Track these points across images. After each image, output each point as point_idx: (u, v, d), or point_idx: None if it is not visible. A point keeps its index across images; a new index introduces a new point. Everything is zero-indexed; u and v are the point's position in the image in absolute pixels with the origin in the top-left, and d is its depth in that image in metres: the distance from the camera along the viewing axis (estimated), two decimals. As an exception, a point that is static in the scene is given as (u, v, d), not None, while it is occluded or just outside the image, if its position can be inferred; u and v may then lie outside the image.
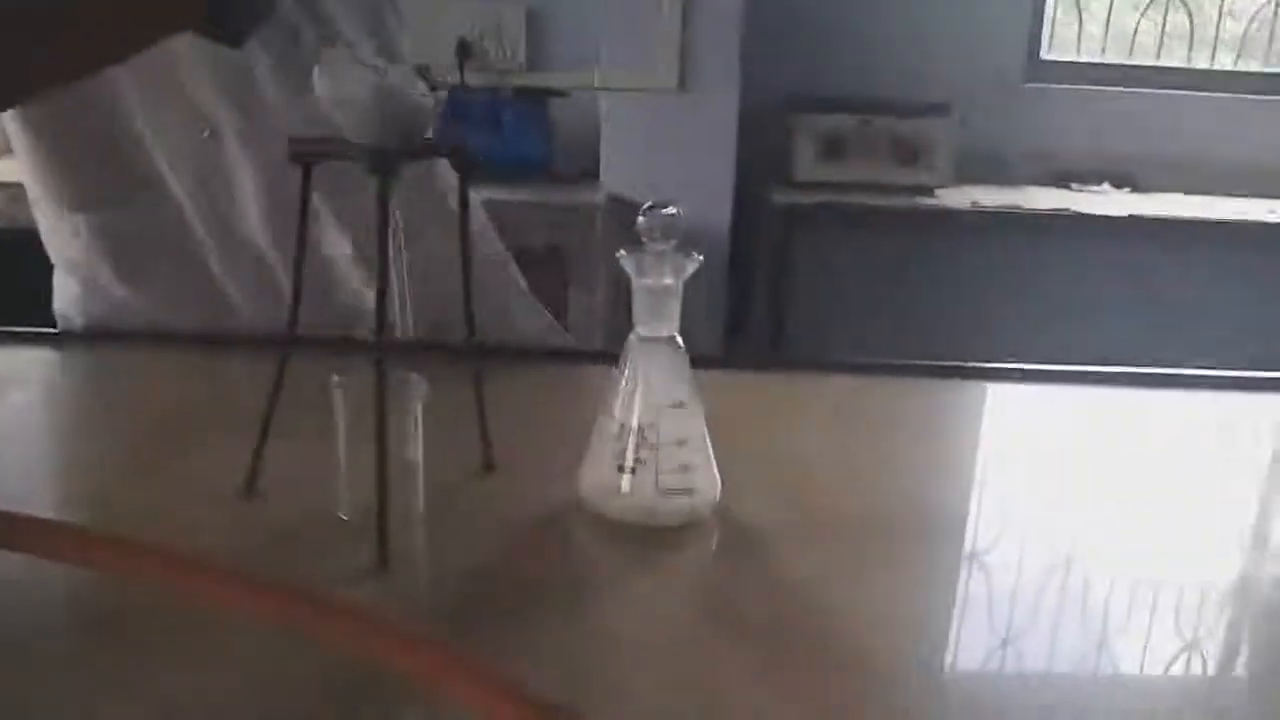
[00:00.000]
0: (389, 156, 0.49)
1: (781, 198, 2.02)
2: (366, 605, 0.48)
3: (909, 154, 2.12)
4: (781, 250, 2.01)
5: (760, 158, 2.17)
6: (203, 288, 0.86)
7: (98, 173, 0.82)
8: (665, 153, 2.05)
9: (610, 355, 0.89)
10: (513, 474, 0.64)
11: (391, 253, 0.51)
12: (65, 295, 0.91)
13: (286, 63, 0.74)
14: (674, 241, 0.56)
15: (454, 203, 0.83)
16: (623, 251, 0.57)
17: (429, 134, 0.53)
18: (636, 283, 0.57)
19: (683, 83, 2.03)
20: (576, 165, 2.11)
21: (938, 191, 2.13)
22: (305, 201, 0.54)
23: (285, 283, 0.84)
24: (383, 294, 0.51)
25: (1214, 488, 0.71)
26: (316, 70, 0.50)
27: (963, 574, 0.59)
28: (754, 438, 0.71)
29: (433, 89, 0.53)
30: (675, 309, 0.57)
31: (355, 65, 0.49)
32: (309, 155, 0.53)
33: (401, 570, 0.53)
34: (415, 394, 0.57)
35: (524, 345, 0.91)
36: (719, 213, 2.06)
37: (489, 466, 0.64)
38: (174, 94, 0.76)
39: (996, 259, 2.13)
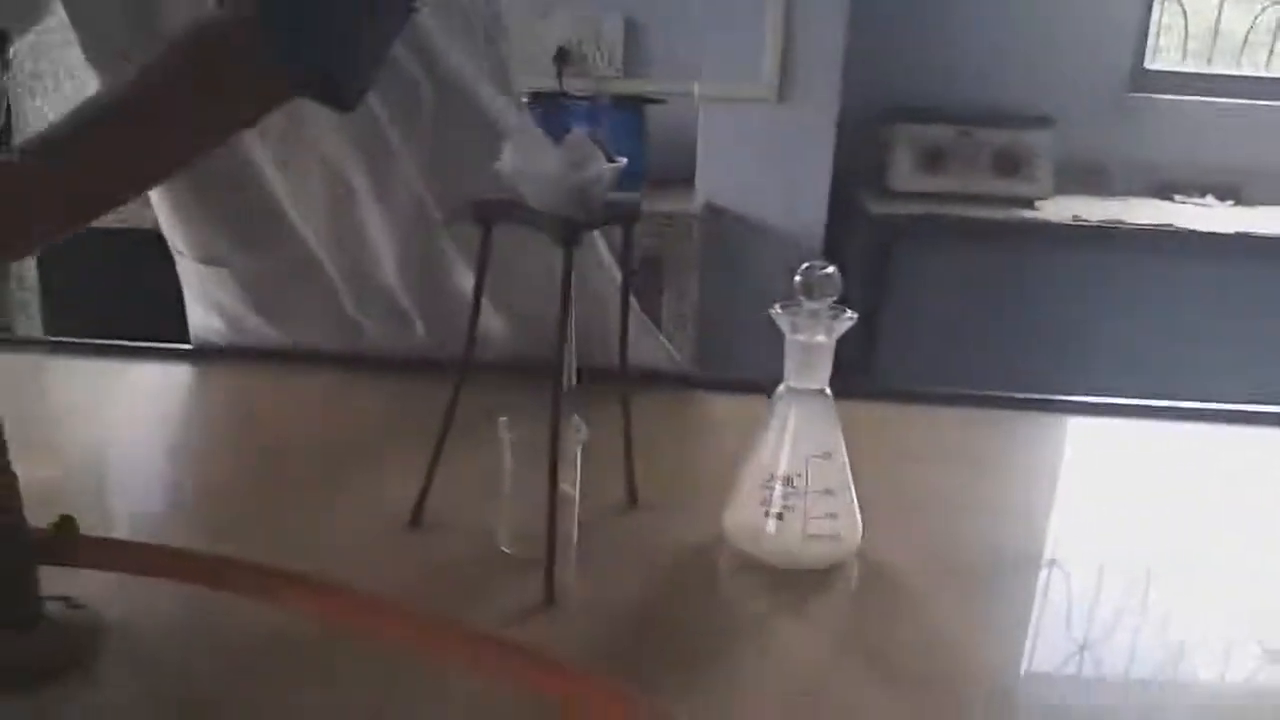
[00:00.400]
0: (574, 227, 0.52)
1: (878, 208, 2.03)
2: (540, 645, 0.52)
3: (1009, 165, 2.10)
4: (876, 261, 2.02)
5: (857, 167, 2.17)
6: (342, 326, 0.91)
7: (235, 229, 0.86)
8: (762, 162, 2.07)
9: (736, 383, 0.93)
10: (655, 509, 0.68)
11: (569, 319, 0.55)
12: (206, 327, 0.97)
13: (411, 116, 0.77)
14: (830, 299, 0.59)
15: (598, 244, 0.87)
16: (778, 308, 0.60)
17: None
18: (789, 338, 0.60)
19: (782, 93, 2.04)
20: (673, 173, 2.14)
21: (1038, 203, 2.10)
22: (484, 260, 0.58)
23: (418, 323, 0.88)
24: (560, 351, 0.55)
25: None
26: (507, 146, 0.54)
27: (1087, 615, 0.61)
28: (879, 474, 0.73)
29: (607, 155, 0.57)
30: (827, 364, 0.60)
31: (544, 142, 0.53)
32: (493, 218, 0.57)
33: (564, 606, 0.56)
34: (577, 435, 0.60)
35: (646, 370, 0.93)
36: (814, 223, 2.07)
37: (633, 501, 0.68)
38: (304, 150, 0.80)
39: (1096, 274, 2.10)
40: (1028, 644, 0.57)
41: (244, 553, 0.62)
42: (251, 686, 0.50)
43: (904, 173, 2.10)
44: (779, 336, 0.60)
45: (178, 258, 0.93)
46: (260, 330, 0.93)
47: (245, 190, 0.82)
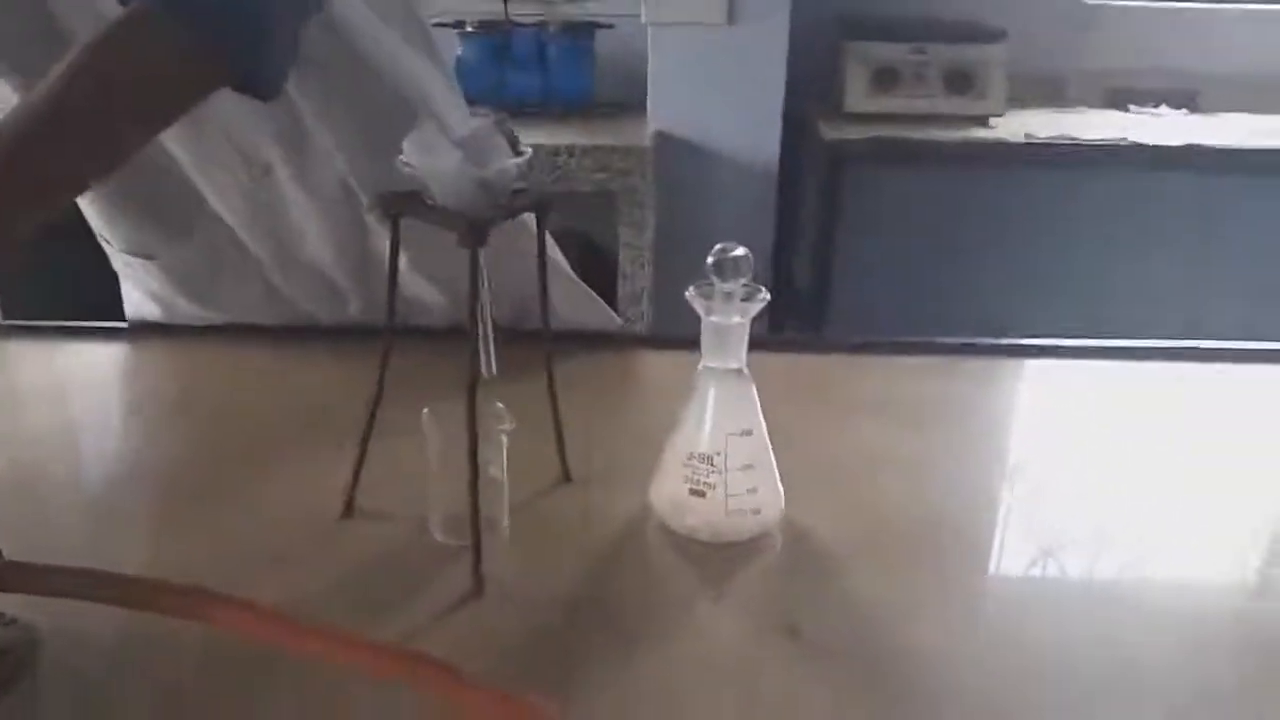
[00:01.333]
0: (479, 226, 0.52)
1: (832, 132, 2.00)
2: (468, 638, 0.53)
3: (962, 82, 2.07)
4: (831, 186, 2.00)
5: (810, 89, 2.14)
6: (275, 307, 0.91)
7: (156, 222, 0.86)
8: (713, 87, 2.03)
9: (681, 341, 0.93)
10: (589, 484, 0.69)
11: (480, 309, 0.55)
12: (142, 311, 0.96)
13: (325, 94, 0.75)
14: (742, 280, 0.59)
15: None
16: (692, 290, 0.60)
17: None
18: (705, 320, 0.60)
19: (731, 14, 1.99)
20: (624, 100, 2.10)
21: (992, 120, 2.09)
22: (394, 254, 0.58)
23: (351, 291, 0.88)
24: (475, 345, 0.55)
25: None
26: (406, 143, 0.53)
27: (1020, 586, 0.63)
28: (809, 435, 0.75)
29: (513, 144, 0.56)
30: (742, 343, 0.61)
31: (443, 138, 0.52)
32: (398, 213, 0.56)
33: (494, 594, 0.58)
34: (501, 423, 0.61)
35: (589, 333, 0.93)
36: (767, 148, 2.04)
37: (566, 477, 0.69)
38: (219, 142, 0.78)
39: (1050, 191, 2.09)
40: (949, 613, 0.59)
41: (178, 545, 0.63)
42: (190, 699, 0.51)
43: (857, 94, 2.07)
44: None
45: (106, 248, 0.92)
46: (194, 315, 0.93)
47: (162, 180, 0.81)
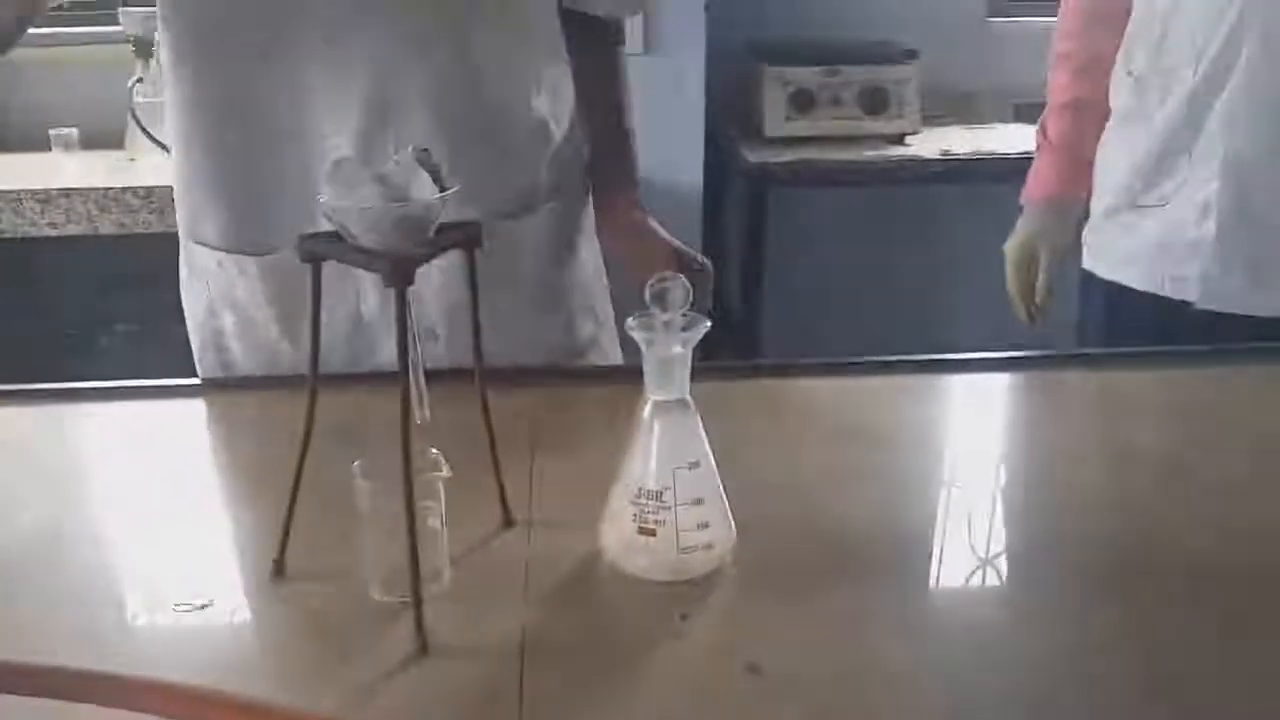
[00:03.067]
0: (404, 265, 0.49)
1: (753, 156, 2.01)
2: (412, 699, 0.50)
3: (878, 102, 2.11)
4: (755, 210, 2.01)
5: (728, 113, 2.15)
6: (358, 334, 0.87)
7: (270, 213, 0.83)
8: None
9: (611, 372, 0.91)
10: (533, 529, 0.66)
11: (412, 352, 0.52)
12: (209, 327, 0.91)
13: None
14: (682, 310, 0.57)
15: None
16: (632, 321, 0.58)
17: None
18: (646, 352, 0.58)
19: (647, 43, 2.00)
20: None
21: (908, 139, 2.12)
22: (316, 299, 0.55)
23: (441, 329, 0.87)
24: (406, 391, 0.52)
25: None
26: (324, 178, 0.50)
27: (980, 599, 0.62)
28: (751, 460, 0.73)
29: (436, 178, 0.54)
30: (685, 373, 0.59)
31: (363, 174, 0.50)
32: (319, 255, 0.54)
33: (440, 653, 0.55)
34: (437, 470, 0.58)
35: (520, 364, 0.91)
36: (690, 175, 2.05)
37: (509, 523, 0.66)
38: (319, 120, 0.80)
39: (968, 206, 2.14)
40: (911, 634, 0.58)
41: (103, 607, 0.59)
42: None
43: (776, 117, 2.09)
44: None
45: (193, 247, 0.88)
46: (268, 330, 0.88)
47: (284, 168, 0.81)
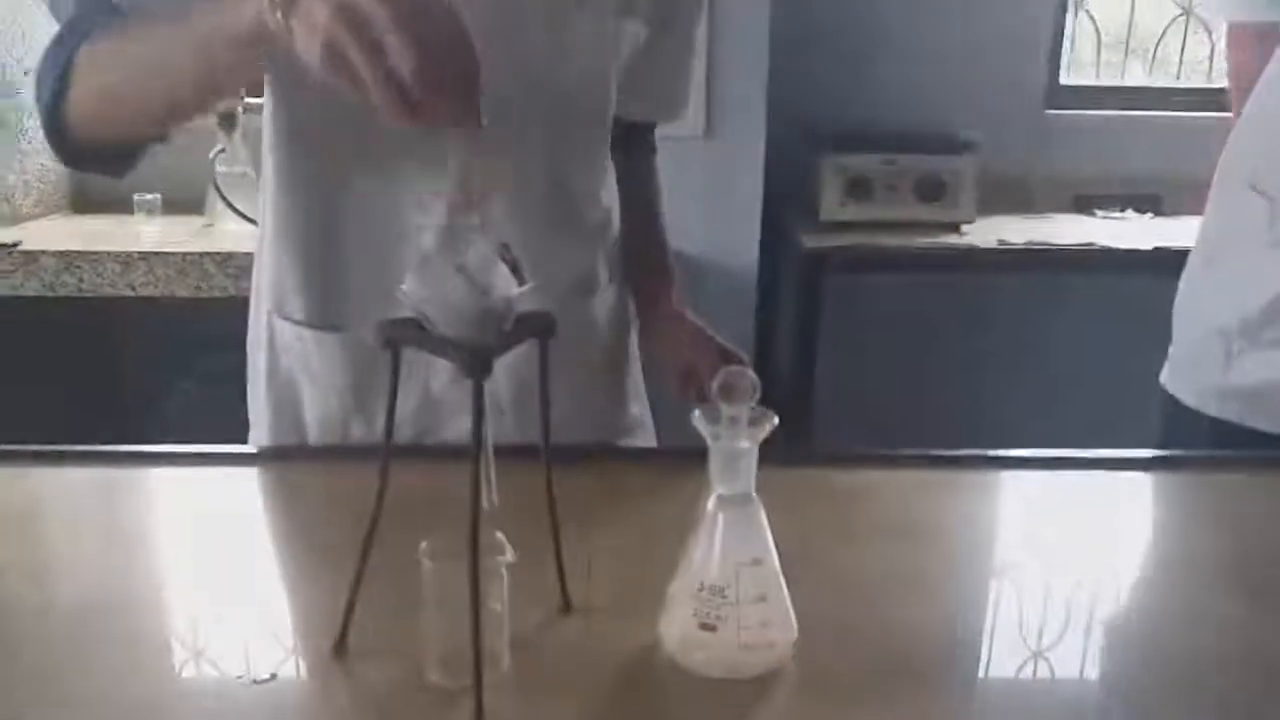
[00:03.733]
0: (482, 355, 0.51)
1: (810, 241, 2.03)
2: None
3: (933, 191, 2.12)
4: (810, 293, 2.02)
5: (787, 200, 2.18)
6: (423, 413, 0.89)
7: (354, 289, 0.86)
8: (693, 199, 2.06)
9: (674, 454, 0.92)
10: (593, 615, 0.66)
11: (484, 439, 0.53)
12: (286, 396, 0.93)
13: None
14: (751, 403, 0.58)
15: None
16: (698, 414, 0.59)
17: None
18: (712, 446, 0.59)
19: (709, 128, 2.04)
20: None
21: (964, 227, 2.13)
22: (394, 384, 0.56)
23: (508, 406, 0.89)
24: (477, 478, 0.53)
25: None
26: (410, 272, 0.52)
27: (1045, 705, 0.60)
28: (811, 556, 0.72)
29: (515, 271, 0.55)
30: (751, 468, 0.59)
31: (448, 268, 0.51)
32: (400, 342, 0.55)
33: (499, 741, 0.54)
34: (501, 554, 0.59)
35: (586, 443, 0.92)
36: (746, 257, 2.07)
37: (567, 607, 0.66)
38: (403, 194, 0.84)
39: (1024, 294, 2.14)
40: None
41: (165, 678, 0.59)
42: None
43: (832, 203, 2.11)
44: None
45: (270, 320, 0.91)
46: (342, 402, 0.90)
47: (370, 245, 0.84)
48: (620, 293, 1.00)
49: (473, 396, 0.51)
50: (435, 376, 0.88)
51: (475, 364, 0.50)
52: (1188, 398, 1.14)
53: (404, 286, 0.53)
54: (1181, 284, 1.20)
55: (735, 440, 0.58)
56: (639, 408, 1.03)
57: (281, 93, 0.84)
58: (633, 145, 1.00)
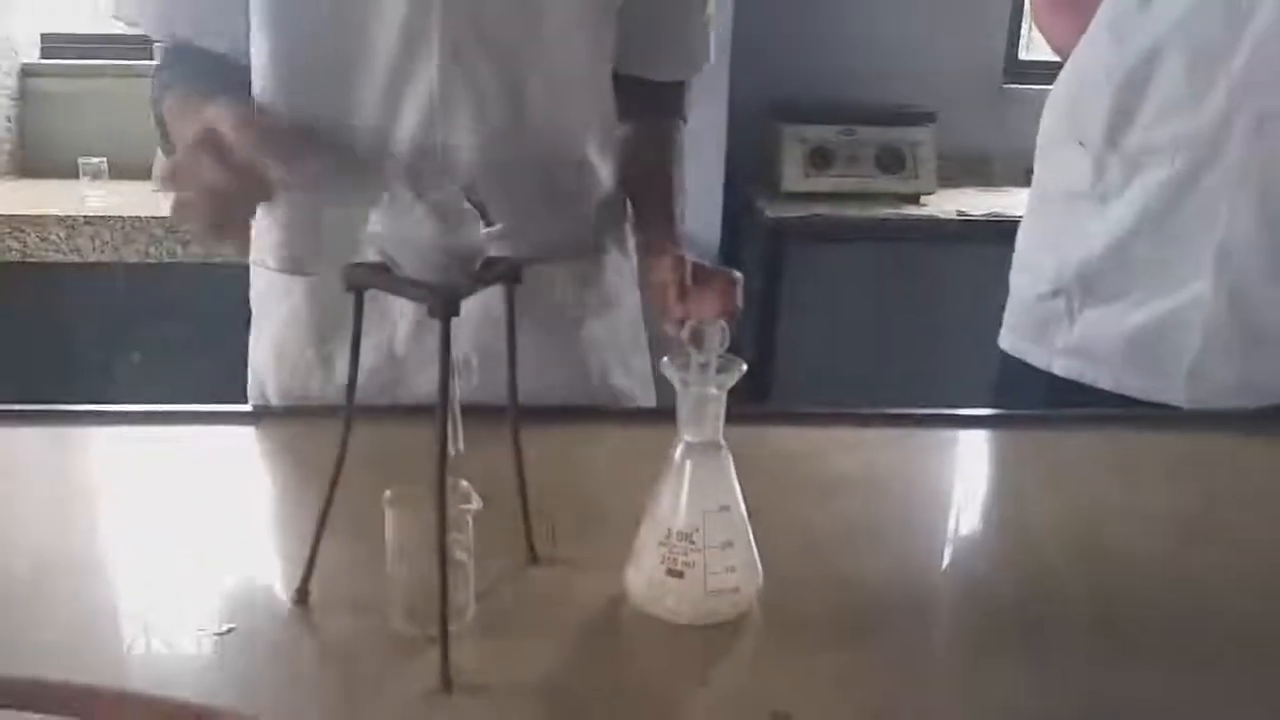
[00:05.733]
0: (449, 296, 0.50)
1: (771, 211, 2.04)
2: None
3: (893, 162, 2.14)
4: (771, 263, 2.03)
5: (747, 170, 2.18)
6: (388, 367, 0.88)
7: (321, 236, 0.84)
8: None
9: (639, 414, 0.91)
10: (559, 565, 0.66)
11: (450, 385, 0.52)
12: (266, 361, 0.92)
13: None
14: (719, 352, 0.58)
15: None
16: (666, 359, 0.58)
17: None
18: (682, 392, 0.58)
19: (670, 97, 2.03)
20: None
21: (923, 199, 2.15)
22: (357, 328, 0.55)
23: (476, 362, 0.87)
24: (444, 421, 0.53)
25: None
26: (375, 210, 0.51)
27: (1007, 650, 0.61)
28: (771, 510, 0.72)
29: (481, 214, 0.54)
30: (719, 415, 0.59)
31: (416, 206, 0.50)
32: (364, 284, 0.54)
33: (464, 692, 0.54)
34: (467, 502, 0.58)
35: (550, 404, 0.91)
36: (709, 228, 2.07)
37: (533, 558, 0.66)
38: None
39: (983, 266, 2.15)
40: (945, 688, 0.57)
41: (126, 630, 0.58)
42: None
43: (794, 174, 2.12)
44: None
45: (263, 268, 0.90)
46: (303, 355, 0.89)
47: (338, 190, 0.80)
48: (613, 262, 0.96)
49: (440, 338, 0.50)
50: (398, 333, 0.86)
51: (442, 304, 0.49)
52: (1031, 357, 1.15)
53: (370, 225, 0.52)
54: (1017, 244, 1.20)
55: (704, 386, 0.58)
56: (626, 381, 0.98)
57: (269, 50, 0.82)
58: (652, 110, 0.95)
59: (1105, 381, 1.08)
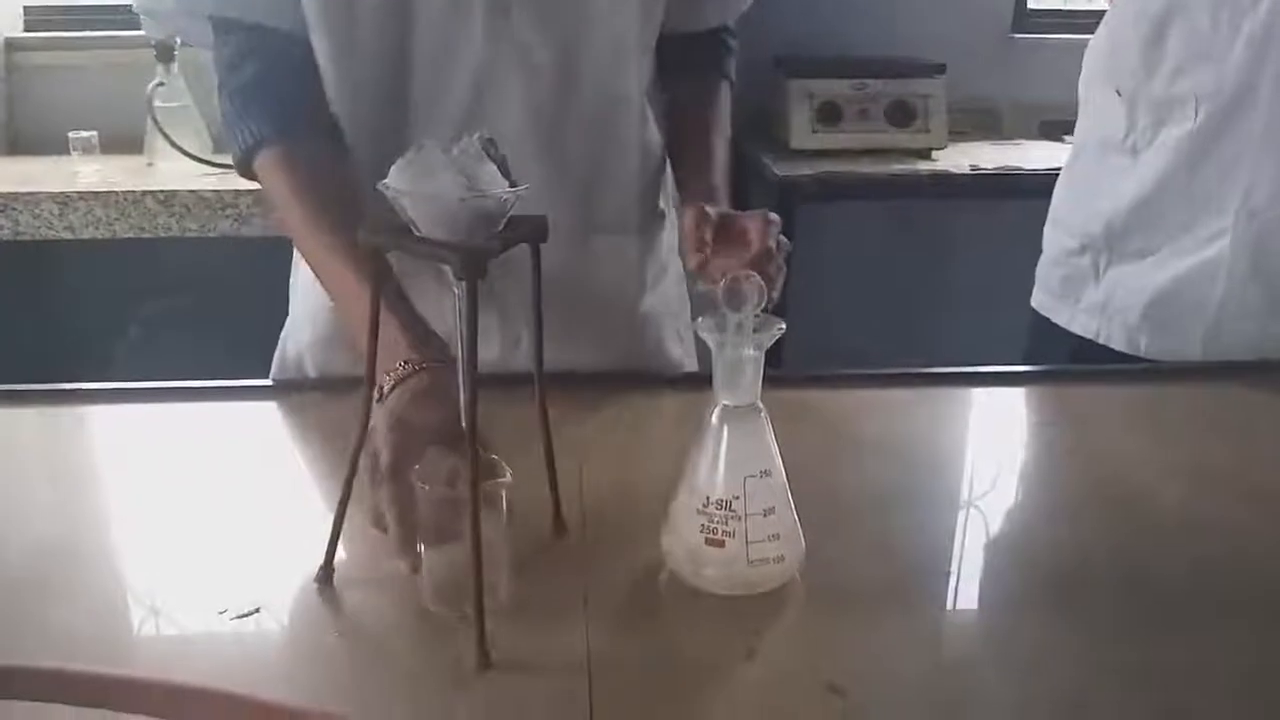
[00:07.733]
0: (476, 257, 0.47)
1: (781, 169, 1.99)
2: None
3: (904, 116, 2.09)
4: (781, 220, 1.99)
5: (755, 126, 2.13)
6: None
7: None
8: (659, 127, 2.01)
9: (667, 378, 0.89)
10: (589, 537, 0.63)
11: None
12: (304, 331, 0.89)
13: None
14: (757, 311, 0.55)
15: None
16: (701, 319, 0.56)
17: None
18: (717, 354, 0.56)
19: (674, 54, 1.98)
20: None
21: (934, 153, 2.10)
22: (376, 294, 0.52)
23: (525, 326, 0.83)
24: (474, 397, 0.50)
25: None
26: (397, 165, 0.48)
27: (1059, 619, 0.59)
28: (810, 471, 0.70)
29: (502, 170, 0.51)
30: (757, 377, 0.56)
31: (442, 160, 0.47)
32: (384, 246, 0.51)
33: (502, 666, 0.52)
34: (498, 476, 0.56)
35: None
36: (717, 187, 2.03)
37: (562, 530, 0.64)
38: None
39: (994, 219, 2.12)
40: (997, 659, 0.55)
41: (151, 611, 0.56)
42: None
43: (802, 130, 2.07)
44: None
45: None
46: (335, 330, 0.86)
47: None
48: (666, 232, 0.93)
49: (465, 303, 0.47)
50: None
51: (468, 265, 0.46)
52: (1056, 315, 1.12)
53: (386, 181, 0.48)
54: (1054, 198, 1.17)
55: (740, 348, 0.55)
56: (680, 351, 0.96)
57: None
58: (705, 64, 0.93)
59: (1118, 342, 1.06)
